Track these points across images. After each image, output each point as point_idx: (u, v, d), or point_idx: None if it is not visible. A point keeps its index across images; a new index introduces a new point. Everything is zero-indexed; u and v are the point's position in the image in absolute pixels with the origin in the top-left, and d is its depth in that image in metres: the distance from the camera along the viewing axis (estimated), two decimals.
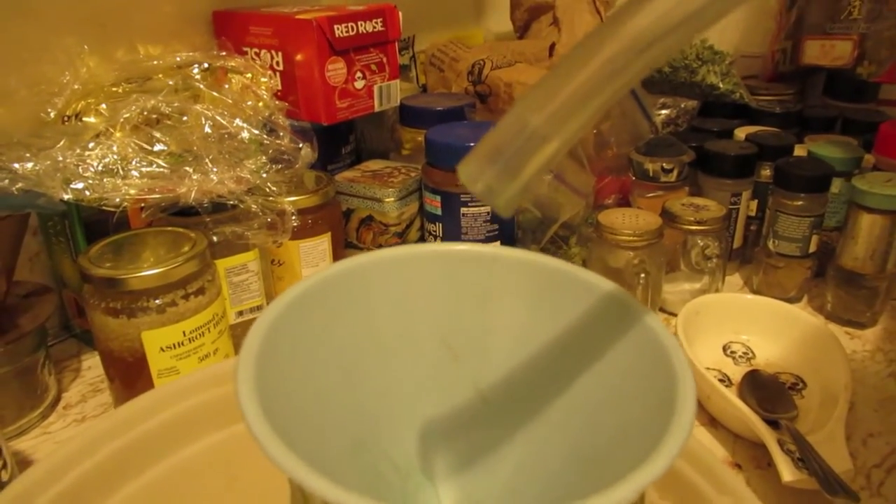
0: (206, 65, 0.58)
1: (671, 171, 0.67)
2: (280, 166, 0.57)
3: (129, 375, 0.48)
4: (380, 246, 0.68)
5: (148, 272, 0.45)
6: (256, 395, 0.16)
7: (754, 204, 0.69)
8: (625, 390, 0.20)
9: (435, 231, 0.65)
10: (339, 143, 0.72)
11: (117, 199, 0.47)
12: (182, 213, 0.52)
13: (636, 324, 0.20)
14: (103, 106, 0.52)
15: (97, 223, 0.54)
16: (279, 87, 0.64)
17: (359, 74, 0.65)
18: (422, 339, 0.23)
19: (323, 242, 0.61)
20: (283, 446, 0.15)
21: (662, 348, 0.19)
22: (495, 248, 0.23)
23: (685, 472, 0.24)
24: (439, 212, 0.63)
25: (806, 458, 0.40)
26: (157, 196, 0.49)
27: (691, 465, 0.24)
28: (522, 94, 0.16)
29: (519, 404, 0.23)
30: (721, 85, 0.79)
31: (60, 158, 0.47)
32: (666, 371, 0.18)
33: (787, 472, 0.39)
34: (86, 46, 0.56)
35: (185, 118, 0.52)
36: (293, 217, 0.56)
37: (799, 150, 0.68)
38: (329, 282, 0.21)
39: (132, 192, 0.47)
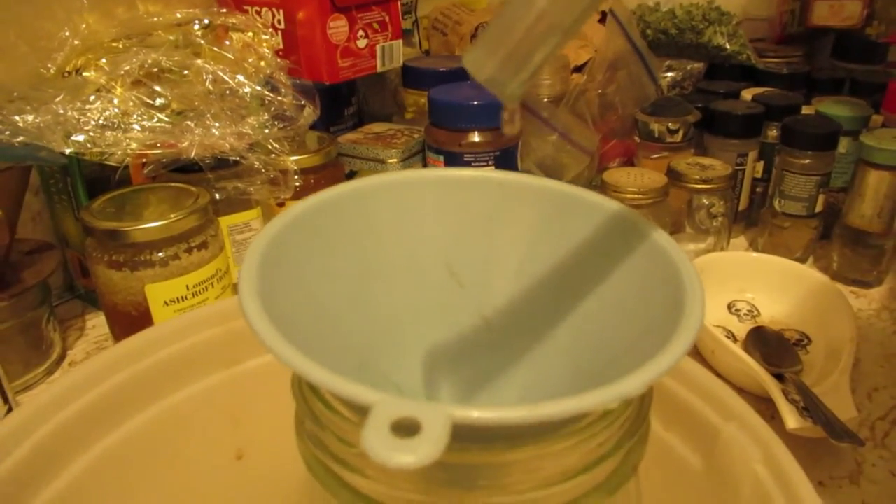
0: (206, 21, 0.57)
1: (677, 131, 0.66)
2: (282, 124, 0.57)
3: (133, 330, 0.47)
4: None
5: (150, 224, 0.45)
6: (259, 295, 0.16)
7: (760, 165, 0.69)
8: (632, 308, 0.20)
9: None
10: (342, 104, 0.71)
11: (118, 154, 0.47)
12: (184, 169, 0.52)
13: (644, 241, 0.20)
14: (103, 61, 0.51)
15: (99, 180, 0.54)
16: (281, 46, 0.64)
17: (361, 33, 0.64)
18: (426, 265, 0.23)
19: None
20: (285, 340, 0.15)
21: (671, 262, 0.19)
22: (501, 173, 0.23)
23: (689, 400, 0.24)
24: None
25: (810, 406, 0.40)
26: (159, 151, 0.49)
27: (695, 394, 0.24)
28: None
29: (524, 330, 0.23)
30: (728, 46, 0.78)
31: (61, 112, 0.47)
32: (674, 282, 0.18)
33: (792, 419, 0.39)
34: (85, 2, 0.55)
35: (186, 73, 0.51)
36: (296, 176, 0.56)
37: (806, 110, 0.67)
38: (332, 202, 0.20)
39: (133, 145, 0.47)
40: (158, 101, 0.50)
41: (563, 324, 0.22)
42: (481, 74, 0.16)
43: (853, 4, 0.77)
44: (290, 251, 0.19)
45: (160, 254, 0.45)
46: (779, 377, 0.45)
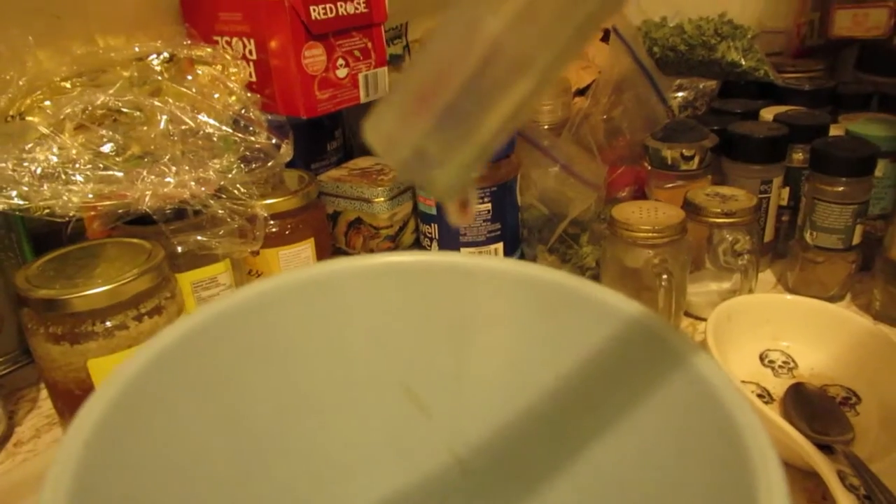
0: (165, 54, 0.52)
1: (692, 157, 0.60)
2: (254, 166, 0.51)
3: (79, 408, 0.41)
4: (371, 251, 0.62)
5: (93, 291, 0.39)
6: None
7: (786, 192, 0.62)
8: (667, 468, 0.14)
9: (430, 233, 0.58)
10: (324, 139, 0.65)
11: (58, 209, 0.41)
12: (144, 221, 0.46)
13: (677, 365, 0.14)
14: (47, 103, 0.46)
15: (50, 235, 0.48)
16: (253, 79, 0.58)
17: (341, 62, 0.58)
18: (376, 389, 0.17)
19: (305, 249, 0.55)
20: None
21: (719, 403, 0.12)
22: (472, 258, 0.17)
23: None
24: (434, 211, 0.57)
25: (872, 494, 0.33)
26: (108, 203, 0.43)
27: None
28: None
29: (511, 475, 0.16)
30: (743, 62, 0.72)
31: None
32: (728, 445, 0.12)
33: None
34: (31, 38, 0.50)
35: (137, 114, 0.45)
36: (268, 222, 0.50)
37: (835, 130, 0.61)
38: (221, 319, 0.14)
39: (75, 199, 0.41)
40: (108, 147, 0.45)
41: (564, 473, 0.15)
42: (397, 151, 0.10)
43: (878, 13, 0.71)
44: (153, 404, 0.13)
45: (105, 323, 0.39)
46: (827, 448, 0.38)
